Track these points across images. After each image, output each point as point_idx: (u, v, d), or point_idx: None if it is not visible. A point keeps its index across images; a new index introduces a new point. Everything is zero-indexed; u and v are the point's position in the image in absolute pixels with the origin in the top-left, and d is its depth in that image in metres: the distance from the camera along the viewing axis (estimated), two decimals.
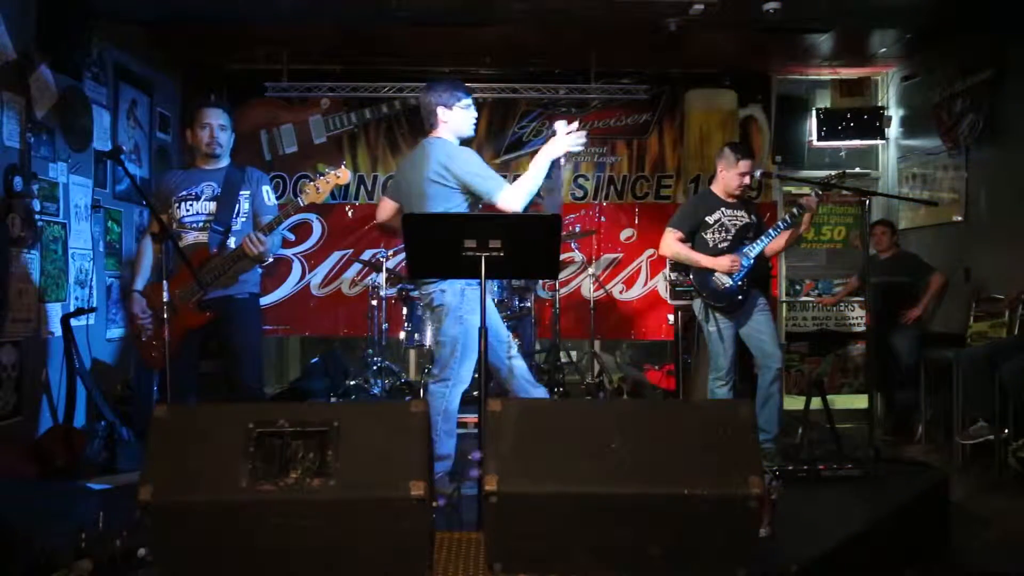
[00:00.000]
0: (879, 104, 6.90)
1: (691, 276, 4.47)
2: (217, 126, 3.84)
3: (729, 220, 4.39)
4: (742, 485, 2.24)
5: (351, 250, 6.63)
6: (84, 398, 4.87)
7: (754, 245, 4.34)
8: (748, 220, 4.42)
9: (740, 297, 4.32)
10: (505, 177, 3.77)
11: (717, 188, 4.47)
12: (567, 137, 3.50)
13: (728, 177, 4.38)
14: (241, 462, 2.26)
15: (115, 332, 5.60)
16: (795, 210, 4.32)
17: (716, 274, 4.32)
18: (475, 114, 3.74)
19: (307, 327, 6.72)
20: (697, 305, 4.49)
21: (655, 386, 6.27)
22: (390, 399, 5.65)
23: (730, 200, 4.43)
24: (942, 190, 6.07)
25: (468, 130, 3.72)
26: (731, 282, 4.31)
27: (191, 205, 3.82)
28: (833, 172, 4.47)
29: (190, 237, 3.77)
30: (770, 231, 4.36)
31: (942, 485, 3.56)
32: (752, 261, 4.33)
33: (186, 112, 6.71)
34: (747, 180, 4.37)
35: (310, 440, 2.30)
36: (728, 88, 6.82)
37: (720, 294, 4.32)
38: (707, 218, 4.40)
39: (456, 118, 3.66)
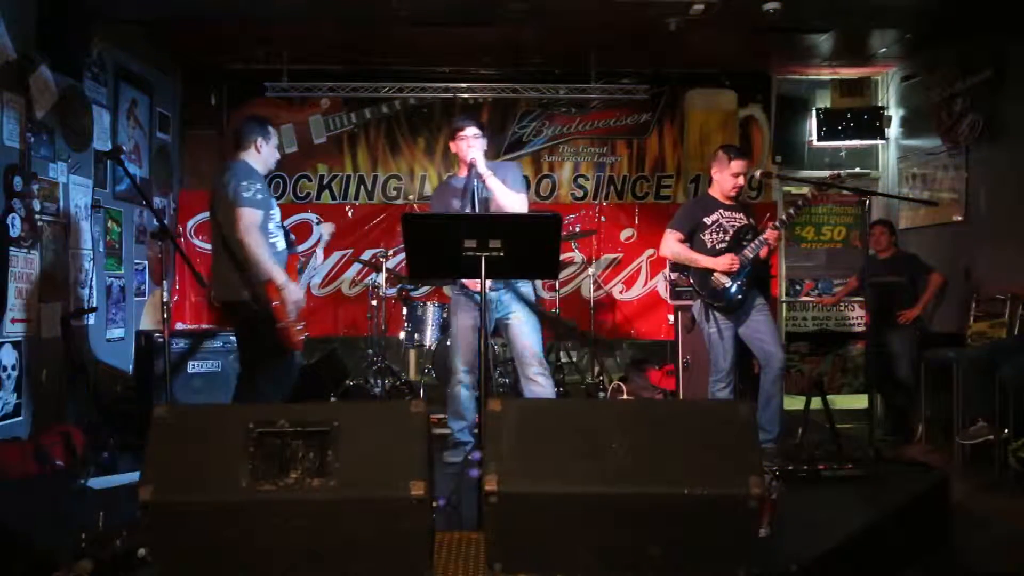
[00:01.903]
0: (879, 104, 6.90)
1: (690, 276, 4.46)
2: None
3: (727, 221, 4.39)
4: (742, 485, 2.24)
5: (351, 250, 6.62)
6: (84, 398, 4.87)
7: (753, 247, 4.34)
8: (746, 222, 4.42)
9: (740, 297, 4.32)
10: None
11: (714, 191, 4.47)
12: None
13: (722, 179, 4.38)
14: (241, 462, 2.26)
15: (115, 332, 5.60)
16: (764, 236, 4.32)
17: (715, 274, 4.32)
18: (469, 143, 4.12)
19: (307, 327, 6.70)
20: (697, 306, 4.49)
21: (654, 386, 6.27)
22: (390, 399, 5.65)
23: (728, 202, 4.43)
24: (942, 190, 6.07)
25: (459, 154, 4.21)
26: (730, 282, 4.30)
27: (275, 213, 4.03)
28: (829, 172, 4.46)
29: (282, 244, 4.03)
30: (765, 234, 4.35)
31: (942, 485, 3.56)
32: (751, 260, 4.33)
33: (186, 112, 6.74)
34: (741, 181, 4.37)
35: (310, 440, 2.30)
36: (728, 88, 6.82)
37: (719, 294, 4.32)
38: (705, 219, 4.40)
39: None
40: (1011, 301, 4.89)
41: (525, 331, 4.15)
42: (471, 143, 4.09)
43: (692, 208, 4.55)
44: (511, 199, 3.98)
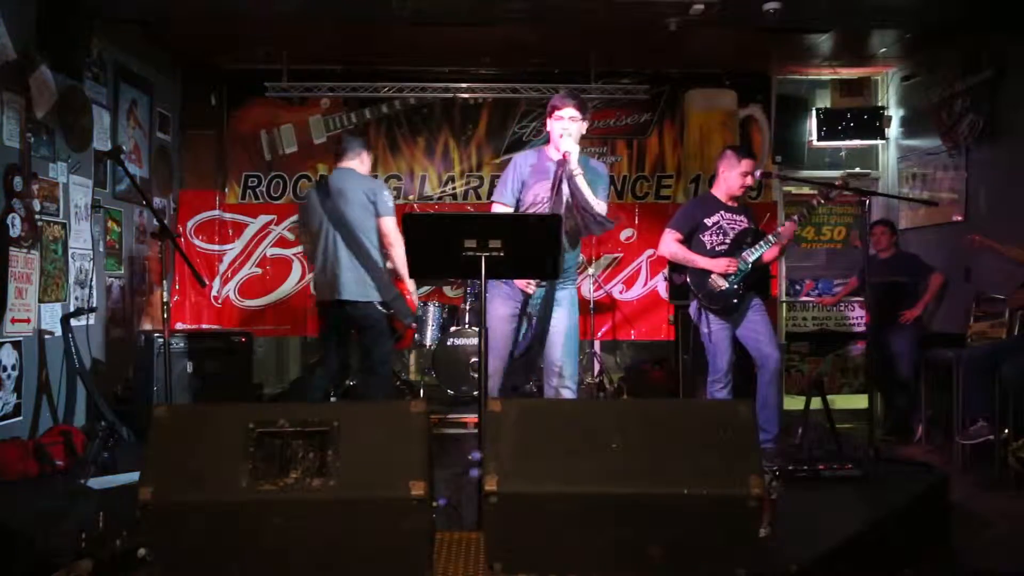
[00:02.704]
0: (879, 104, 6.90)
1: (687, 276, 4.46)
2: None
3: (728, 224, 4.39)
4: (742, 485, 2.25)
5: None
6: (84, 398, 4.87)
7: (753, 250, 4.33)
8: (747, 225, 4.42)
9: (735, 300, 4.31)
10: None
11: (718, 191, 4.46)
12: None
13: (731, 178, 4.37)
14: (241, 462, 2.26)
15: (115, 332, 5.60)
16: (779, 230, 4.32)
17: (712, 276, 4.32)
18: (564, 125, 3.55)
19: (307, 327, 6.72)
20: (692, 307, 4.49)
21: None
22: (390, 399, 5.65)
23: (730, 204, 4.42)
24: (942, 190, 6.07)
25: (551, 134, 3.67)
26: (727, 285, 4.30)
27: None
28: (837, 175, 4.45)
29: None
30: (769, 237, 4.35)
31: (942, 485, 3.56)
32: (750, 266, 4.33)
33: (186, 112, 6.73)
34: (749, 180, 4.38)
35: (310, 440, 2.30)
36: (728, 88, 6.82)
37: (715, 296, 4.32)
38: (706, 220, 4.40)
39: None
40: (1011, 300, 4.89)
41: (560, 337, 3.66)
42: (566, 126, 3.54)
43: (693, 208, 4.55)
44: (594, 209, 3.53)
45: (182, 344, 5.06)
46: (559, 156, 3.53)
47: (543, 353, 3.69)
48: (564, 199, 3.49)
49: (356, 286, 4.26)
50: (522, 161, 3.73)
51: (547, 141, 3.73)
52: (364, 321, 4.35)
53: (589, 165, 3.66)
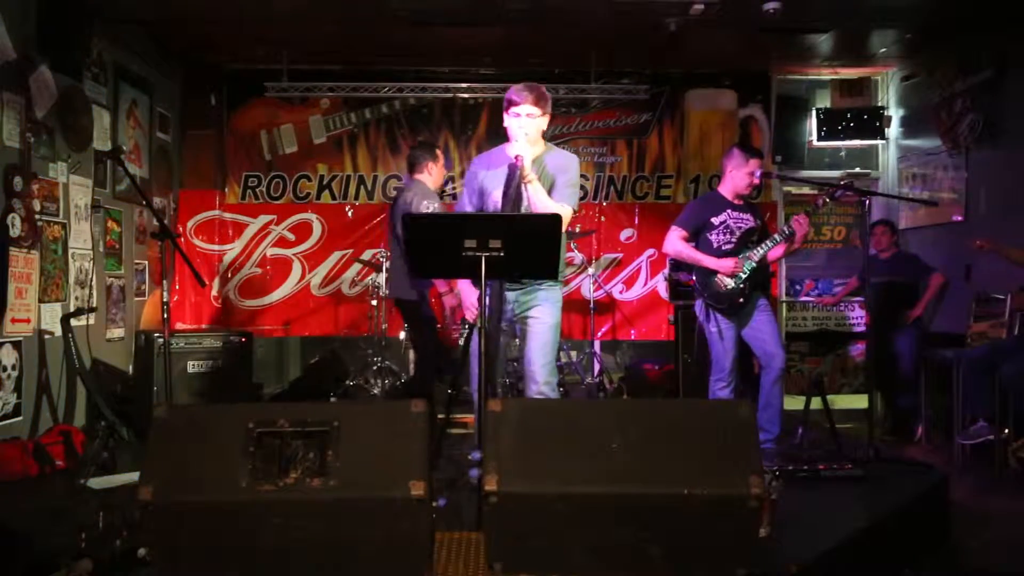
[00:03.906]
0: (879, 104, 6.90)
1: (693, 276, 4.46)
2: None
3: (735, 222, 4.38)
4: (742, 485, 2.24)
5: (351, 250, 6.63)
6: (84, 398, 4.87)
7: (758, 249, 4.33)
8: (753, 224, 4.42)
9: (741, 300, 4.31)
10: None
11: (725, 190, 4.46)
12: None
13: (738, 177, 4.37)
14: (241, 462, 2.26)
15: (115, 332, 5.60)
16: (785, 228, 4.32)
17: (718, 275, 4.31)
18: (521, 123, 3.31)
19: (307, 327, 6.73)
20: (698, 305, 4.49)
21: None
22: (390, 399, 5.65)
23: (737, 202, 4.42)
24: (942, 190, 6.07)
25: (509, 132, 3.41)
26: (733, 284, 4.30)
27: None
28: (837, 175, 4.44)
29: None
30: (775, 236, 4.34)
31: (942, 485, 3.56)
32: (755, 265, 4.33)
33: (186, 112, 6.73)
34: (757, 180, 4.39)
35: (310, 440, 2.30)
36: (728, 88, 6.82)
37: (721, 295, 4.31)
38: (712, 219, 4.39)
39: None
40: (1011, 300, 4.89)
41: (536, 339, 3.41)
42: (523, 124, 3.29)
43: (700, 207, 4.53)
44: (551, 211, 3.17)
45: (182, 344, 5.06)
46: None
47: (522, 356, 3.48)
48: (520, 204, 3.24)
49: (396, 284, 4.88)
50: (477, 167, 3.56)
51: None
52: (406, 315, 5.00)
53: (546, 168, 3.38)
